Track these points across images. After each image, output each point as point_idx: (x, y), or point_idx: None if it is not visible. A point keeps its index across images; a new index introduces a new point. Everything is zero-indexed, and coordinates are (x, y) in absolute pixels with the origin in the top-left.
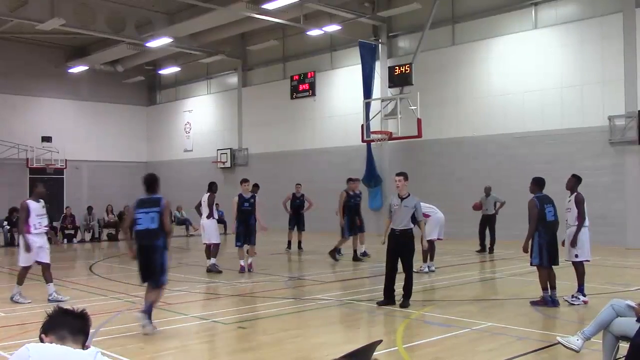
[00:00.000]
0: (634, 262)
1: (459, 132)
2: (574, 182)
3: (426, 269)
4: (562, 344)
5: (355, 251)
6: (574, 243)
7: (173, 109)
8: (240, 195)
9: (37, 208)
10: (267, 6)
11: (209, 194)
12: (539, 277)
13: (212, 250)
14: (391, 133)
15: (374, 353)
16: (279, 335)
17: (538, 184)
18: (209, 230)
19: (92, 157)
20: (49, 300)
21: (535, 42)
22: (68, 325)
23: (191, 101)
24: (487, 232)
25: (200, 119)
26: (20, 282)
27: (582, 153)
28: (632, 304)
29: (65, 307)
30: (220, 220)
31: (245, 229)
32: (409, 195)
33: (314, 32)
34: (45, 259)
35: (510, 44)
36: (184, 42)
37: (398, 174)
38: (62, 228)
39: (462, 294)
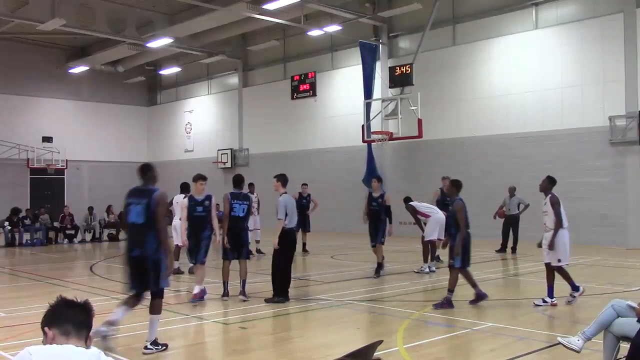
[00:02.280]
0: (634, 262)
1: (459, 132)
2: (548, 183)
3: (427, 269)
4: (562, 344)
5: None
6: (551, 246)
7: (174, 109)
8: (190, 197)
9: None
10: (268, 6)
11: (183, 195)
12: (467, 279)
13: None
14: (392, 133)
15: (375, 353)
16: (280, 335)
17: (459, 187)
18: (181, 232)
19: (93, 157)
20: None
21: (536, 43)
22: (71, 318)
23: (192, 101)
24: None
25: (201, 119)
26: None
27: (582, 153)
28: (633, 304)
29: (68, 298)
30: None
31: (195, 242)
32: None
33: (315, 33)
34: None
35: (511, 44)
36: (185, 43)
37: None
38: (62, 228)
39: (462, 294)
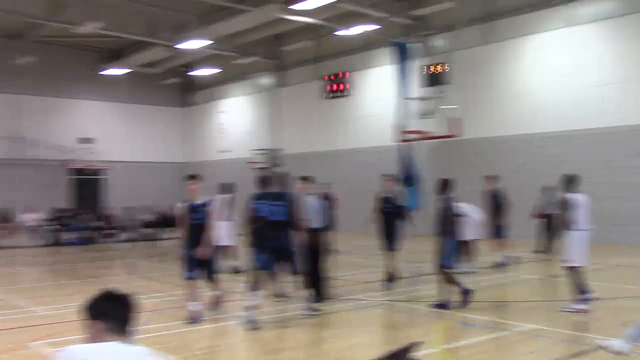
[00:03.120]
0: None
1: (493, 131)
2: (566, 182)
3: (465, 270)
4: (604, 347)
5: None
6: (562, 248)
7: (208, 110)
8: (189, 203)
9: None
10: (301, 7)
11: (229, 195)
12: (449, 280)
13: (225, 252)
14: (426, 132)
15: (413, 354)
16: (318, 335)
17: (448, 186)
18: (225, 231)
19: (130, 158)
20: None
21: (572, 39)
22: (115, 313)
23: (226, 102)
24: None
25: (235, 120)
26: None
27: (621, 152)
28: None
29: (111, 290)
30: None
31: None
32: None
33: (348, 32)
34: None
35: (546, 41)
36: (219, 44)
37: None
38: (102, 227)
39: (502, 295)
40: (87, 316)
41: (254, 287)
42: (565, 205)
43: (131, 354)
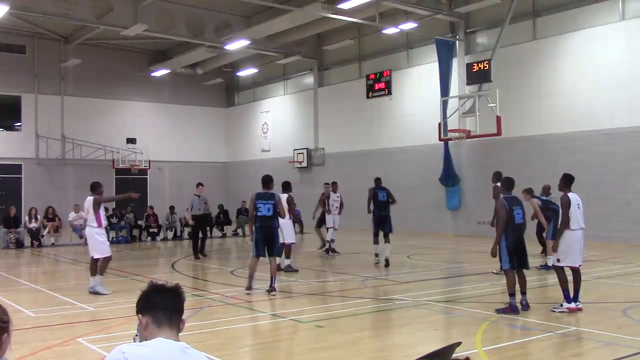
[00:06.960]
0: None
1: (540, 129)
2: (562, 182)
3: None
4: None
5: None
6: (555, 247)
7: (251, 110)
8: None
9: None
10: (343, 6)
11: (287, 194)
12: (506, 282)
13: (287, 249)
14: (469, 131)
15: (453, 355)
16: (356, 334)
17: (508, 185)
18: (285, 230)
19: (174, 157)
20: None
21: (623, 34)
22: (162, 305)
23: (268, 102)
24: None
25: (277, 120)
26: (103, 272)
27: None
28: None
29: (159, 283)
30: (297, 220)
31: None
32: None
33: (390, 31)
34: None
35: (596, 36)
36: (261, 44)
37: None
38: (146, 226)
39: (544, 296)
40: (137, 311)
41: None
42: (565, 206)
43: (175, 349)
